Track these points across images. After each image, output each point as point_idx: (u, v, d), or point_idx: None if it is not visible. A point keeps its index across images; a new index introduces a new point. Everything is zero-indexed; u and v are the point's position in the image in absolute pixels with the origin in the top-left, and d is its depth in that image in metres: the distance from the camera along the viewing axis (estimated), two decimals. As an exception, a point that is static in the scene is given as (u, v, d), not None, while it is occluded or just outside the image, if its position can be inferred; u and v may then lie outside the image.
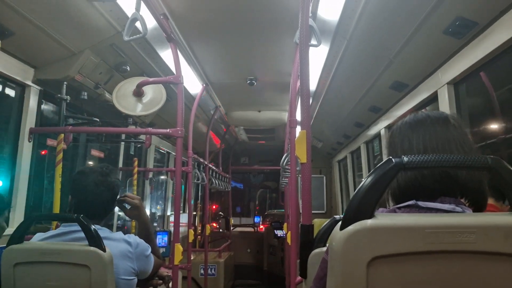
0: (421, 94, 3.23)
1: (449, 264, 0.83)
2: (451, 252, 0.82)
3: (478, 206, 1.05)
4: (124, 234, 2.01)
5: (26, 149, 3.09)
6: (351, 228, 0.83)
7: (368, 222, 0.83)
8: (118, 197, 2.16)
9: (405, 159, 0.84)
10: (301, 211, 1.83)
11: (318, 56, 3.63)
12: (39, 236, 1.95)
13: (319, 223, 1.89)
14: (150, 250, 2.07)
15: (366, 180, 0.86)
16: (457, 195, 1.03)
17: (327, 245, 1.66)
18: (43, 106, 3.39)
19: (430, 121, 1.11)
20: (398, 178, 1.07)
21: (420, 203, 1.00)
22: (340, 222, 0.87)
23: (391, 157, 0.86)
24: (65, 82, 3.25)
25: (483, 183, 1.04)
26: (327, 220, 1.79)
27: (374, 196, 0.84)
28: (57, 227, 2.30)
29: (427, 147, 1.07)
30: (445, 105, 2.80)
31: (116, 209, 4.19)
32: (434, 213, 0.96)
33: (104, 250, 1.70)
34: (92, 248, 1.69)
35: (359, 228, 0.83)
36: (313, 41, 2.73)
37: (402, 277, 0.83)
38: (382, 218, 0.84)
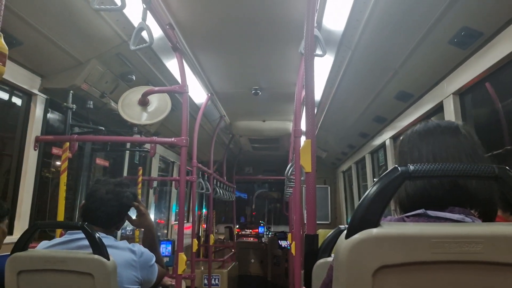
0: (426, 105, 3.22)
1: (456, 275, 0.82)
2: (458, 262, 0.81)
3: (488, 217, 1.03)
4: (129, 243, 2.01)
5: (31, 157, 3.10)
6: (356, 237, 0.82)
7: (374, 231, 0.82)
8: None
9: (411, 167, 0.84)
10: (305, 221, 1.82)
11: (323, 66, 3.64)
12: (44, 244, 1.95)
13: (323, 234, 1.87)
14: (154, 259, 2.06)
15: (371, 188, 0.85)
16: (467, 205, 1.01)
17: (332, 255, 1.65)
18: (49, 115, 3.41)
19: (440, 131, 1.11)
20: (406, 187, 1.07)
21: (430, 212, 0.99)
22: (345, 231, 0.87)
23: (397, 166, 0.85)
24: (71, 91, 3.28)
25: (494, 194, 1.03)
26: (332, 231, 1.78)
27: (380, 204, 0.84)
28: (61, 235, 2.30)
29: (436, 156, 1.06)
30: (450, 116, 2.79)
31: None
32: (443, 222, 0.95)
33: (108, 258, 1.69)
34: (96, 256, 1.69)
35: (364, 237, 0.82)
36: (318, 51, 2.74)
37: (408, 287, 0.82)
38: (388, 227, 0.84)
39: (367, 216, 0.84)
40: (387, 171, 0.86)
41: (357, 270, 0.82)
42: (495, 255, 0.80)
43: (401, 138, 1.20)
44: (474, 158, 1.05)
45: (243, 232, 10.56)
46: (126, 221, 2.17)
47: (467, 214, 0.98)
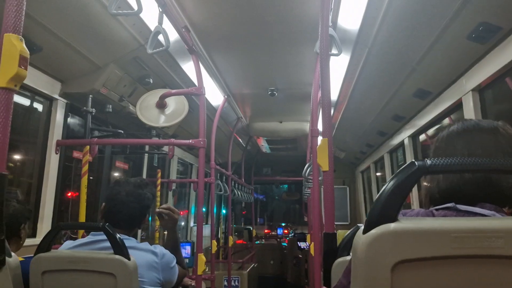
0: (445, 102, 3.18)
1: (476, 269, 0.80)
2: (478, 257, 0.80)
3: None
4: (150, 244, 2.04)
5: (53, 161, 3.17)
6: (374, 231, 0.82)
7: (392, 225, 0.82)
8: (159, 207, 2.24)
9: (428, 162, 0.83)
10: (323, 221, 1.81)
11: (339, 65, 3.63)
12: (68, 244, 1.99)
13: (342, 234, 1.86)
14: (175, 261, 2.08)
15: (389, 183, 0.85)
16: (499, 202, 1.00)
17: (350, 254, 1.64)
18: (69, 119, 3.48)
19: (478, 129, 1.10)
20: (439, 182, 1.06)
21: (459, 206, 0.98)
22: (362, 227, 0.86)
23: (414, 160, 0.85)
24: (90, 95, 3.34)
25: None
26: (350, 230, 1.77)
27: (397, 199, 0.83)
28: (83, 236, 2.34)
29: (471, 153, 1.05)
30: (470, 113, 2.75)
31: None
32: (472, 217, 0.94)
33: (128, 258, 1.72)
34: (117, 256, 1.71)
35: (382, 231, 0.82)
36: (334, 50, 2.73)
37: (427, 282, 0.81)
38: (406, 222, 0.83)
39: (385, 211, 0.83)
40: (404, 165, 0.85)
41: (376, 266, 0.82)
42: (517, 250, 0.79)
43: (438, 134, 1.19)
44: None
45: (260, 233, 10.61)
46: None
47: (498, 211, 0.97)
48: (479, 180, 1.00)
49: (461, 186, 1.02)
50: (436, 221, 0.89)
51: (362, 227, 0.87)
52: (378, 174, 6.69)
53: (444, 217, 0.98)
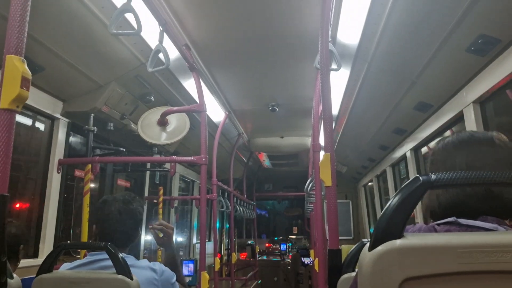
0: (446, 114, 3.18)
1: (485, 285, 0.79)
2: (486, 273, 0.79)
3: None
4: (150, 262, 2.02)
5: (55, 180, 3.16)
6: (380, 248, 0.81)
7: (398, 242, 0.81)
8: (152, 224, 2.21)
9: (433, 177, 0.83)
10: (327, 237, 1.79)
11: (339, 80, 3.64)
12: (66, 266, 1.97)
13: (346, 249, 1.84)
14: (175, 278, 2.06)
15: (393, 199, 0.84)
16: (502, 215, 0.98)
17: (355, 270, 1.62)
18: (71, 138, 3.49)
19: (474, 140, 1.09)
20: (439, 196, 1.05)
21: (461, 220, 0.96)
22: (368, 244, 0.85)
23: (418, 175, 0.84)
24: (92, 114, 3.35)
25: None
26: (355, 245, 1.75)
27: (402, 215, 0.82)
28: (85, 256, 2.32)
29: (470, 166, 1.04)
30: (471, 125, 2.75)
31: (143, 238, 4.19)
32: (474, 231, 0.93)
33: (131, 278, 1.70)
34: (119, 276, 1.69)
35: (388, 248, 0.80)
36: (333, 65, 2.74)
37: (436, 299, 0.80)
38: (412, 238, 0.82)
39: (390, 227, 0.82)
40: (408, 180, 0.85)
41: (383, 284, 0.80)
42: (525, 264, 0.78)
43: (434, 147, 1.18)
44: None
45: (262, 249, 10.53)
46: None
47: (501, 224, 0.95)
48: (480, 193, 0.99)
49: (462, 200, 1.00)
50: (442, 236, 0.88)
51: (367, 244, 0.86)
52: (380, 188, 6.66)
53: (447, 233, 0.96)
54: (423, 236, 0.88)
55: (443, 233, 0.96)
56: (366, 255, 0.83)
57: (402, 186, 0.85)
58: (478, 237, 0.83)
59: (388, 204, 0.84)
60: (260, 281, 8.11)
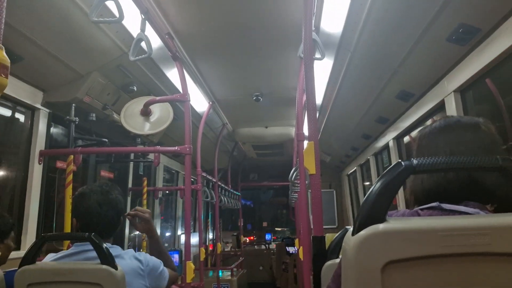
0: (428, 103, 3.22)
1: (465, 267, 0.81)
2: (466, 255, 0.81)
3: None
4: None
5: (36, 171, 3.11)
6: (363, 233, 0.82)
7: (380, 226, 0.82)
8: (128, 212, 2.18)
9: (415, 162, 0.84)
10: (312, 225, 1.81)
11: (323, 69, 3.66)
12: (51, 256, 1.95)
13: (331, 238, 1.86)
14: (162, 265, 2.05)
15: (376, 184, 0.85)
16: (483, 201, 1.00)
17: (339, 257, 1.64)
18: (52, 129, 3.43)
19: (460, 125, 1.10)
20: (423, 181, 1.07)
21: (444, 205, 0.98)
22: (351, 229, 0.86)
23: (400, 161, 0.85)
24: (73, 104, 3.30)
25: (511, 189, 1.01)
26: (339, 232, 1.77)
27: (385, 200, 0.84)
28: (68, 247, 2.30)
29: (454, 151, 1.06)
30: (452, 113, 2.79)
31: (126, 230, 4.16)
32: (456, 215, 0.95)
33: (116, 268, 1.69)
34: (104, 266, 1.69)
35: (371, 232, 0.82)
36: (317, 55, 2.75)
37: (418, 282, 0.81)
38: (395, 222, 0.83)
39: (373, 212, 0.83)
40: (390, 166, 0.86)
41: (365, 267, 0.82)
42: (503, 246, 0.80)
43: (421, 131, 1.19)
44: (494, 154, 1.03)
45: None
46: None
47: (482, 209, 0.97)
48: (462, 178, 1.01)
49: (445, 185, 1.02)
50: (424, 220, 0.90)
51: (351, 229, 0.87)
52: (364, 176, 6.73)
53: (430, 217, 0.98)
54: (405, 220, 0.89)
55: (423, 217, 0.97)
56: (350, 239, 0.84)
57: (385, 171, 0.86)
58: (458, 221, 0.85)
59: (371, 189, 0.85)
60: (245, 270, 8.17)
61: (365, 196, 0.86)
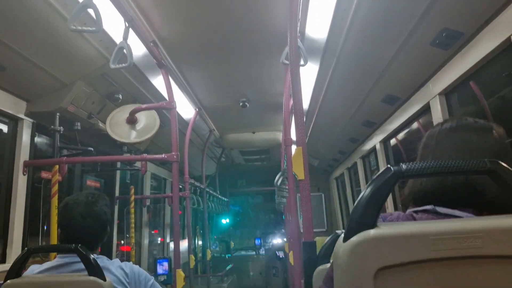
0: (413, 106, 3.25)
1: (457, 271, 0.81)
2: (458, 258, 0.81)
3: None
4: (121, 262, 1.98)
5: (21, 182, 3.06)
6: (354, 239, 0.82)
7: (371, 232, 0.82)
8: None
9: (404, 167, 0.84)
10: (301, 230, 1.81)
11: (309, 74, 3.67)
12: (34, 268, 1.89)
13: (321, 241, 1.86)
14: (152, 280, 2.02)
15: (366, 190, 0.85)
16: (480, 206, 0.98)
17: (331, 261, 1.64)
18: (36, 139, 3.38)
19: (470, 128, 1.08)
20: (423, 183, 1.06)
21: (438, 209, 0.98)
22: (342, 235, 0.86)
23: (389, 166, 0.85)
24: (58, 114, 3.26)
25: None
26: (329, 237, 1.77)
27: (375, 205, 0.83)
28: (55, 257, 2.25)
29: (459, 154, 1.04)
30: (438, 116, 2.82)
31: (114, 240, 4.11)
32: (450, 219, 0.94)
33: (104, 279, 1.67)
34: (92, 278, 1.65)
35: (362, 239, 0.81)
36: (301, 61, 2.75)
37: (411, 287, 0.81)
38: (386, 228, 0.83)
39: (364, 218, 0.83)
40: (380, 171, 0.86)
41: (358, 273, 0.81)
42: (495, 249, 0.80)
43: (431, 130, 1.16)
44: (502, 159, 0.95)
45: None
46: None
47: (477, 215, 0.96)
48: (460, 182, 1.00)
49: (442, 189, 1.01)
50: (415, 225, 0.90)
51: (342, 235, 0.87)
52: (352, 179, 6.76)
53: (420, 221, 0.98)
54: (396, 225, 0.89)
55: (416, 221, 0.97)
56: (341, 246, 0.84)
57: (374, 177, 0.86)
58: (449, 224, 0.85)
59: (361, 195, 0.85)
60: (236, 276, 8.12)
61: (355, 202, 0.86)
